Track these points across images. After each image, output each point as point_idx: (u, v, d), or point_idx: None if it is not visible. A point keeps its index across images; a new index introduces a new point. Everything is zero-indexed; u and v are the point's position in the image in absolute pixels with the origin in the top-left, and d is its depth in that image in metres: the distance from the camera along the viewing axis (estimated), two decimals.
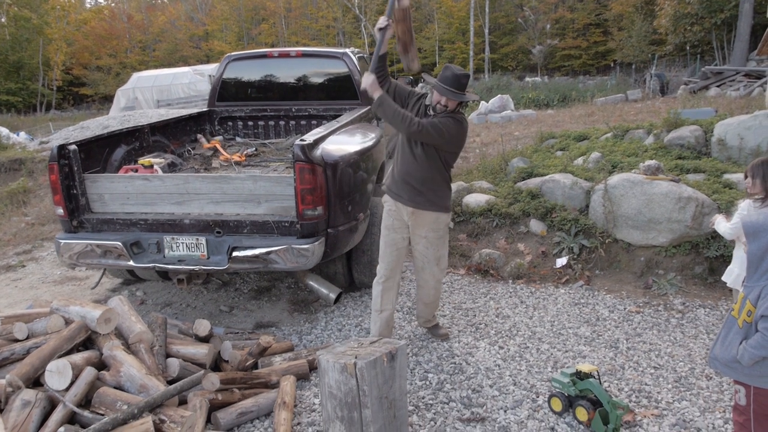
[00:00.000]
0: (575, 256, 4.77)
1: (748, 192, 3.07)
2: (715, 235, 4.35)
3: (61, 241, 3.93)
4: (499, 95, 14.66)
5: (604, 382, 3.09)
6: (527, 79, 25.74)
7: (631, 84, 21.39)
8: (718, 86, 14.77)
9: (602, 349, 3.52)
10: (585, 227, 4.91)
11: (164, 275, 4.55)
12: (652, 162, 5.06)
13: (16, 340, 2.96)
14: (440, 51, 34.66)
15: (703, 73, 16.60)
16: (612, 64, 29.21)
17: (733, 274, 3.25)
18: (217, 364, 3.21)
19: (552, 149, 7.14)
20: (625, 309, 4.08)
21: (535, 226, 5.15)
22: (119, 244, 3.79)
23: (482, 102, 14.80)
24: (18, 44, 33.81)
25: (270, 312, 4.30)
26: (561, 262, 4.78)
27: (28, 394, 2.52)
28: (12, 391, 2.53)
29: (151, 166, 4.48)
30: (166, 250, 3.81)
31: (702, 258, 4.44)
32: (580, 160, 6.18)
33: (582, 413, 2.71)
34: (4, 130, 12.08)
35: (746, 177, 3.02)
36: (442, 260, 3.51)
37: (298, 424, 2.88)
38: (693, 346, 3.50)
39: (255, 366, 3.28)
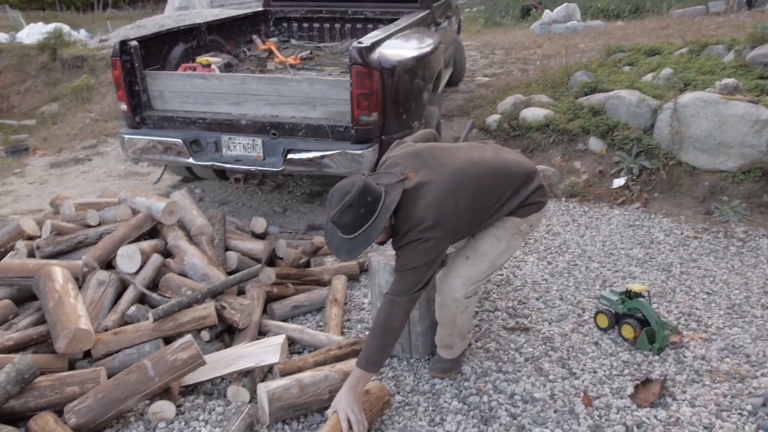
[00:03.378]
0: (634, 177, 4.61)
1: None
2: None
3: (125, 136, 4.06)
4: (564, 4, 13.69)
5: (654, 303, 3.07)
6: None
7: None
8: None
9: (654, 271, 3.47)
10: (648, 148, 4.69)
11: (221, 174, 4.69)
12: (730, 80, 4.70)
13: (89, 226, 3.17)
14: None
15: None
16: None
17: None
18: (271, 261, 3.35)
19: (619, 64, 6.70)
20: (682, 234, 3.97)
21: (594, 144, 4.96)
22: (179, 141, 3.89)
23: (546, 11, 13.89)
24: None
25: (322, 215, 4.41)
26: (618, 182, 4.63)
27: (103, 274, 2.72)
28: (88, 271, 2.74)
29: (209, 65, 4.49)
30: (224, 150, 3.90)
31: None
32: (649, 77, 5.80)
33: (628, 331, 2.73)
34: (66, 27, 12.24)
35: None
36: (478, 258, 2.33)
37: (348, 320, 3.02)
38: (751, 275, 3.41)
39: (307, 265, 3.42)
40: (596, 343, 2.77)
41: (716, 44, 6.46)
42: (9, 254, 3.02)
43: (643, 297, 2.80)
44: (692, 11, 12.79)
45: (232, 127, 3.89)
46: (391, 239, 2.21)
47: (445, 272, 2.40)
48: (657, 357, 2.64)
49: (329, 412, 2.11)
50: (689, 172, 4.53)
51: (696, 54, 6.39)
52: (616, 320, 2.83)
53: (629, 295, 2.81)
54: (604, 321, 2.85)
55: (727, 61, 5.85)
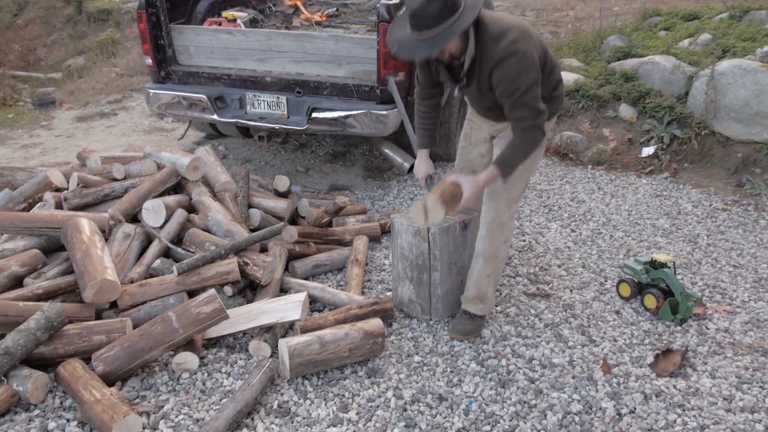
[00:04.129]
0: (664, 147, 4.49)
1: None
2: None
3: (150, 90, 4.06)
4: None
5: (678, 274, 3.03)
6: None
7: None
8: None
9: (680, 242, 3.41)
10: (680, 116, 4.55)
11: (245, 132, 4.68)
12: None
13: (115, 179, 3.20)
14: None
15: None
16: None
17: None
18: (294, 220, 3.37)
19: (655, 28, 6.45)
20: (710, 205, 3.88)
21: (625, 111, 4.82)
22: (204, 97, 3.88)
23: None
24: None
25: (344, 176, 4.40)
26: (648, 151, 4.52)
27: (128, 227, 2.76)
28: (114, 224, 2.78)
29: (234, 20, 4.42)
30: (248, 107, 3.88)
31: None
32: (686, 42, 5.58)
33: (651, 300, 2.70)
34: None
35: None
36: (514, 178, 2.27)
37: (369, 281, 3.04)
38: None
39: (330, 224, 3.42)
40: (617, 312, 2.75)
41: (759, 9, 6.16)
42: (37, 205, 3.08)
43: (668, 267, 2.75)
44: None
45: (257, 84, 3.86)
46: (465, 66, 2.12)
47: (487, 199, 2.42)
48: (679, 328, 2.62)
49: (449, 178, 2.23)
50: (722, 142, 4.39)
51: (737, 19, 6.11)
52: (639, 290, 2.80)
53: (654, 264, 2.77)
54: (626, 290, 2.82)
55: None
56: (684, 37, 5.78)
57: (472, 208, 2.58)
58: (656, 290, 2.70)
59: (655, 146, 4.51)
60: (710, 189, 4.11)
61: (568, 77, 5.16)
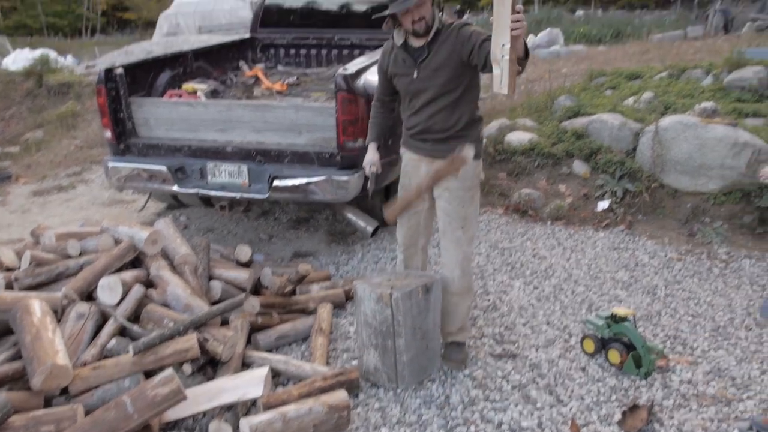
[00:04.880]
0: (618, 200, 4.66)
1: None
2: None
3: (109, 163, 4.04)
4: (548, 29, 13.97)
5: (640, 327, 3.07)
6: (580, 12, 24.34)
7: (692, 20, 19.97)
8: None
9: (639, 294, 3.49)
10: (630, 170, 4.75)
11: (207, 201, 4.66)
12: (709, 104, 4.80)
13: (69, 257, 3.12)
14: None
15: None
16: None
17: None
18: (256, 289, 3.32)
19: (601, 88, 6.82)
20: (666, 256, 4.00)
21: (578, 167, 5.01)
22: (164, 169, 3.87)
23: (530, 35, 14.14)
24: None
25: (308, 242, 4.39)
26: (602, 205, 4.67)
27: (83, 306, 2.67)
28: (68, 304, 2.69)
29: (195, 92, 4.49)
30: (209, 177, 3.88)
31: (752, 207, 4.27)
32: (630, 100, 5.91)
33: (615, 355, 2.72)
34: (52, 53, 12.22)
35: None
36: (469, 223, 2.67)
37: (334, 349, 2.98)
38: (734, 296, 3.43)
39: (293, 293, 3.38)
40: (583, 369, 2.76)
41: (695, 68, 6.61)
42: None
43: (629, 321, 2.80)
44: (671, 36, 13.09)
45: (218, 153, 3.88)
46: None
47: (452, 245, 2.71)
48: (644, 381, 2.64)
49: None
50: (672, 194, 4.58)
51: (675, 78, 6.53)
52: (603, 345, 2.82)
53: (615, 319, 2.81)
54: (590, 346, 2.84)
55: (705, 85, 5.98)
56: (628, 95, 6.12)
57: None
58: (619, 345, 2.72)
59: (610, 200, 4.67)
60: (664, 239, 4.25)
61: (523, 137, 5.37)
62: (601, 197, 4.74)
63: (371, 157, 2.89)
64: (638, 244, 4.19)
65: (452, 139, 2.62)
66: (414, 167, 2.78)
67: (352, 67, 3.69)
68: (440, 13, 2.65)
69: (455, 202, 2.65)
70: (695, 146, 4.46)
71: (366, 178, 2.98)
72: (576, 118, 5.48)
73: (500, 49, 2.18)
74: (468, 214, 2.68)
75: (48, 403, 2.31)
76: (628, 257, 3.99)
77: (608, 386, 2.62)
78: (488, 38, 2.33)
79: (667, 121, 4.72)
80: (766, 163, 4.20)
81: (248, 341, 2.88)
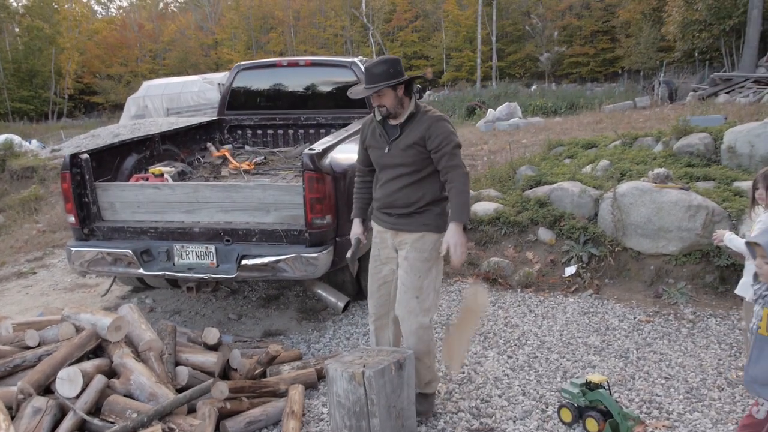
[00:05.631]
0: (584, 265, 4.75)
1: (759, 203, 2.96)
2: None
3: (72, 248, 3.96)
4: (506, 103, 14.67)
5: (615, 392, 3.06)
6: (534, 86, 25.74)
7: (640, 91, 21.33)
8: (727, 93, 14.68)
9: (612, 359, 3.50)
10: (594, 236, 4.89)
11: (174, 283, 4.58)
12: (662, 170, 5.03)
13: (27, 348, 2.99)
14: (448, 59, 34.75)
15: (712, 79, 16.51)
16: (620, 71, 29.14)
17: (751, 288, 3.19)
18: (225, 373, 3.21)
19: (560, 157, 7.13)
20: (635, 318, 4.05)
21: (544, 234, 5.13)
22: (129, 252, 3.82)
23: (489, 110, 14.82)
24: (31, 53, 34.42)
25: (278, 320, 4.31)
26: (570, 270, 4.76)
27: (39, 401, 2.54)
28: (23, 399, 2.55)
29: (161, 175, 4.51)
30: (176, 258, 3.83)
31: (712, 267, 4.41)
32: (588, 168, 6.17)
33: (592, 424, 2.69)
34: (17, 138, 12.22)
35: (756, 187, 2.92)
36: (424, 293, 2.75)
37: None
38: (704, 356, 3.47)
39: (263, 375, 3.28)
40: None
41: (645, 136, 6.98)
42: None
43: (603, 387, 2.79)
44: (621, 106, 13.90)
45: (185, 235, 3.86)
46: (401, 128, 2.77)
47: (406, 314, 2.79)
48: None
49: (443, 246, 2.67)
50: (635, 257, 4.71)
51: (628, 146, 6.87)
52: (580, 414, 2.79)
53: (589, 386, 2.80)
54: (567, 415, 2.81)
55: (656, 152, 6.32)
56: (586, 163, 6.39)
57: None
58: (595, 413, 2.70)
59: (576, 265, 4.77)
60: (632, 302, 4.32)
61: (488, 207, 5.50)
62: (568, 263, 4.83)
63: (356, 230, 3.04)
64: (607, 308, 4.24)
65: (415, 215, 2.80)
66: (381, 239, 2.94)
67: (318, 146, 3.79)
68: (417, 96, 2.92)
69: (412, 273, 2.78)
70: (653, 210, 4.64)
71: (346, 251, 3.12)
72: (538, 187, 5.67)
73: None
74: (423, 285, 2.78)
75: None
76: (598, 321, 4.03)
77: None
78: (452, 154, 2.68)
79: (624, 187, 4.92)
80: (719, 224, 4.38)
81: (217, 429, 2.75)
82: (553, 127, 11.47)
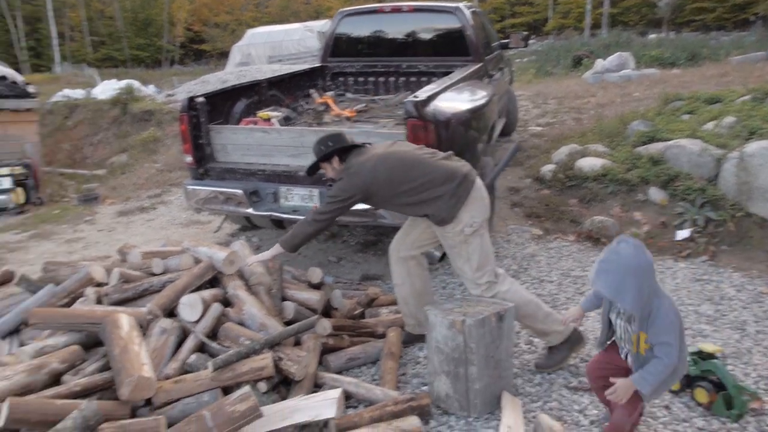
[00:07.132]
0: (699, 229, 4.43)
1: None
2: None
3: (189, 187, 4.24)
4: (618, 53, 13.62)
5: (728, 365, 2.88)
6: (651, 35, 23.66)
7: None
8: None
9: (727, 330, 3.28)
10: (713, 198, 4.52)
11: (279, 224, 4.79)
12: None
13: (153, 274, 3.28)
14: (555, 5, 32.69)
15: None
16: (752, 18, 26.03)
17: None
18: (327, 311, 3.36)
19: (678, 112, 6.57)
20: (755, 289, 3.75)
21: (655, 194, 4.82)
22: (240, 192, 4.03)
23: (598, 60, 13.84)
24: (146, 2, 36.34)
25: (376, 265, 4.42)
26: (682, 234, 4.46)
27: (165, 322, 2.79)
28: (152, 319, 2.82)
29: (269, 120, 4.67)
30: (282, 200, 4.00)
31: None
32: (710, 125, 5.65)
33: (702, 395, 2.56)
34: (136, 83, 13.08)
35: None
36: (464, 274, 2.87)
37: (404, 374, 2.97)
38: None
39: (362, 316, 3.40)
40: (667, 407, 2.61)
41: None
42: (78, 300, 3.16)
43: (717, 358, 2.63)
44: (753, 57, 12.46)
45: (290, 178, 4.00)
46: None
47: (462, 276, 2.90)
48: (736, 425, 2.46)
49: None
50: (759, 224, 4.32)
51: (760, 101, 6.20)
52: (688, 383, 2.66)
53: (701, 355, 2.65)
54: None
55: None
56: (708, 120, 5.85)
57: None
58: (707, 383, 2.56)
59: (690, 229, 4.45)
60: (752, 272, 3.99)
61: (595, 162, 5.23)
62: (681, 226, 4.52)
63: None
64: (723, 276, 3.95)
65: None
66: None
67: (422, 93, 3.74)
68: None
69: (452, 257, 2.93)
70: None
71: None
72: (651, 144, 5.30)
73: None
74: (458, 266, 2.90)
75: (133, 413, 2.42)
76: (712, 289, 3.77)
77: (695, 427, 2.46)
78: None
79: (753, 146, 4.48)
80: None
81: (320, 362, 2.91)
82: (670, 79, 10.56)
